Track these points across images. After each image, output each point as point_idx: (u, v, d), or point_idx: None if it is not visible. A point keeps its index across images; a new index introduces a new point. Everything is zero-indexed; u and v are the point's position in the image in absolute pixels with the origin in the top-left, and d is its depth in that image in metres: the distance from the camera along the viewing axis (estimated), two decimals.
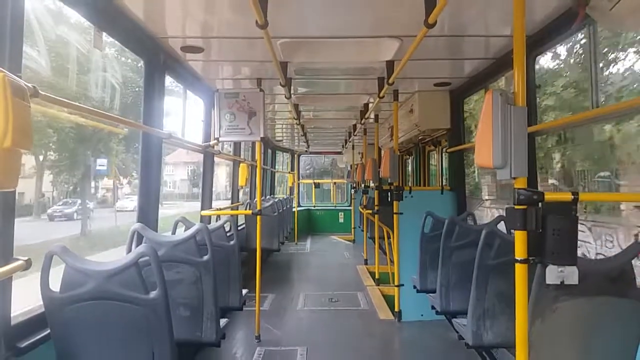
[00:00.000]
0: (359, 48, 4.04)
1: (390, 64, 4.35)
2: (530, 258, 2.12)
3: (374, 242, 8.43)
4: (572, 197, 2.08)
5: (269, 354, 4.48)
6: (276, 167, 13.46)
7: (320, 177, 17.47)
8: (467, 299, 3.43)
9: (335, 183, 16.03)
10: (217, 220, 5.71)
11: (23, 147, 1.56)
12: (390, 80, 4.34)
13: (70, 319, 2.15)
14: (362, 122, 7.29)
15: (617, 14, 2.49)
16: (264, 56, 4.26)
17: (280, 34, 3.63)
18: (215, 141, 4.83)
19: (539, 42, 3.56)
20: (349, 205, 14.21)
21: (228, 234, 4.24)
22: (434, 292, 4.40)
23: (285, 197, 11.92)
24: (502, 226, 3.86)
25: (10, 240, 2.05)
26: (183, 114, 4.76)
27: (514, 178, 2.12)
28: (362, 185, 9.46)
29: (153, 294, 2.17)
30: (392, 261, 7.06)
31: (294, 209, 13.12)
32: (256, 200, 4.96)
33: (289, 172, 14.56)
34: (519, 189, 2.10)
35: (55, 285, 2.17)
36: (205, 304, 3.17)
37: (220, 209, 5.81)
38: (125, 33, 3.35)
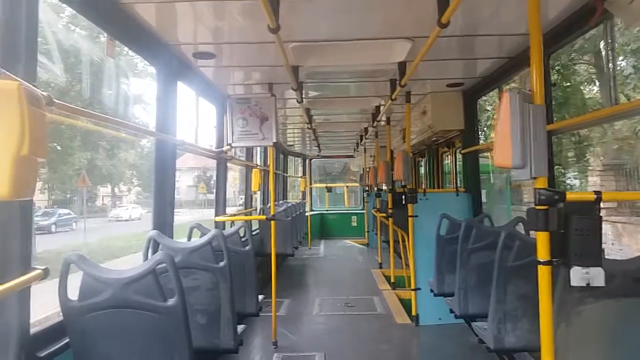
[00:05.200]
0: (371, 50, 4.01)
1: (402, 66, 4.32)
2: (554, 260, 2.07)
3: (388, 245, 8.37)
4: (595, 196, 2.03)
5: None
6: (287, 172, 13.46)
7: (332, 181, 17.42)
8: (486, 302, 3.37)
9: (347, 187, 15.97)
10: (231, 226, 5.71)
11: (39, 155, 1.55)
12: (403, 82, 4.31)
13: (89, 328, 2.14)
14: (374, 124, 7.25)
15: (637, 8, 2.43)
16: (275, 61, 4.24)
17: (291, 37, 3.62)
18: (229, 147, 4.83)
19: (554, 39, 3.50)
20: (362, 209, 14.15)
21: (243, 239, 4.22)
22: (452, 295, 4.34)
23: (298, 202, 11.92)
24: (520, 228, 3.81)
25: (28, 249, 2.05)
26: (196, 120, 4.77)
27: (534, 178, 2.08)
28: (375, 189, 9.40)
29: (171, 302, 2.16)
30: (407, 265, 6.98)
31: (306, 214, 13.09)
32: (269, 206, 4.95)
33: (301, 177, 14.55)
34: (539, 189, 2.06)
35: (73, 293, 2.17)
36: (222, 311, 3.16)
37: (234, 215, 5.81)
38: (137, 41, 3.36)
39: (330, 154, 14.59)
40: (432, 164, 8.55)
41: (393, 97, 4.91)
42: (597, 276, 1.98)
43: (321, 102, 6.38)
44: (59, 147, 15.70)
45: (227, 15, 3.27)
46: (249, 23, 3.38)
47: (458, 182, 7.56)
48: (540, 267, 2.07)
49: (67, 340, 2.25)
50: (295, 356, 4.56)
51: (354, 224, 14.60)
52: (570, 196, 2.05)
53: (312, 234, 13.10)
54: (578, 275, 2.02)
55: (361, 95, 6.08)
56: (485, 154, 6.68)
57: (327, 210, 15.16)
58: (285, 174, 12.59)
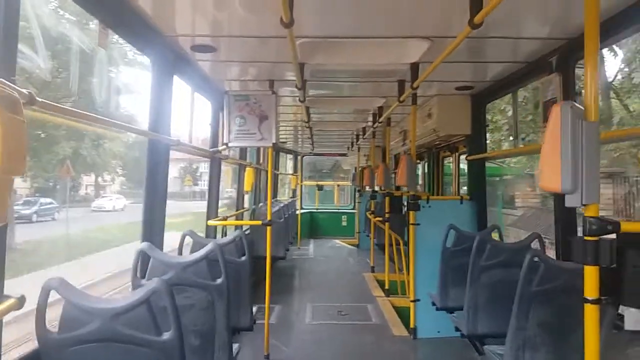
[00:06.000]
0: (384, 49, 3.75)
1: (414, 67, 4.06)
2: (602, 298, 1.85)
3: (380, 249, 8.12)
4: None
5: None
6: (279, 169, 13.14)
7: (322, 178, 17.15)
8: (498, 322, 3.17)
9: (338, 185, 15.71)
10: (223, 230, 5.42)
11: (15, 172, 1.26)
12: (415, 85, 4.05)
13: None
14: (375, 125, 6.98)
15: None
16: (277, 57, 3.98)
17: (300, 33, 3.32)
18: (224, 146, 4.54)
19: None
20: (353, 208, 13.90)
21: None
22: (455, 310, 4.13)
23: (289, 201, 11.61)
24: (535, 244, 3.60)
25: (1, 277, 1.75)
26: (191, 117, 4.46)
27: (585, 205, 1.85)
28: (370, 190, 9.15)
29: (167, 336, 1.87)
30: (400, 270, 6.76)
31: (297, 212, 12.80)
32: (261, 206, 4.67)
33: (293, 174, 14.23)
34: (590, 217, 1.82)
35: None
36: (217, 331, 2.87)
37: (227, 218, 5.50)
38: (132, 31, 3.04)
39: (324, 151, 14.27)
40: (432, 168, 8.30)
41: (401, 99, 4.65)
42: None
43: (322, 101, 6.09)
44: (42, 135, 15.13)
45: (229, 6, 2.98)
46: (251, 15, 3.10)
47: (459, 188, 7.34)
48: (587, 305, 1.84)
49: None
50: None
51: (344, 223, 14.34)
52: (626, 226, 1.83)
53: (302, 233, 12.82)
54: (633, 318, 1.79)
55: (365, 95, 5.81)
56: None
57: (317, 209, 14.88)
58: (276, 172, 12.27)
